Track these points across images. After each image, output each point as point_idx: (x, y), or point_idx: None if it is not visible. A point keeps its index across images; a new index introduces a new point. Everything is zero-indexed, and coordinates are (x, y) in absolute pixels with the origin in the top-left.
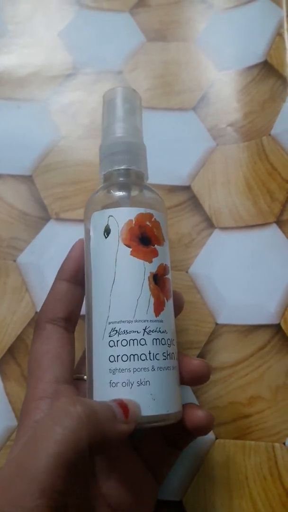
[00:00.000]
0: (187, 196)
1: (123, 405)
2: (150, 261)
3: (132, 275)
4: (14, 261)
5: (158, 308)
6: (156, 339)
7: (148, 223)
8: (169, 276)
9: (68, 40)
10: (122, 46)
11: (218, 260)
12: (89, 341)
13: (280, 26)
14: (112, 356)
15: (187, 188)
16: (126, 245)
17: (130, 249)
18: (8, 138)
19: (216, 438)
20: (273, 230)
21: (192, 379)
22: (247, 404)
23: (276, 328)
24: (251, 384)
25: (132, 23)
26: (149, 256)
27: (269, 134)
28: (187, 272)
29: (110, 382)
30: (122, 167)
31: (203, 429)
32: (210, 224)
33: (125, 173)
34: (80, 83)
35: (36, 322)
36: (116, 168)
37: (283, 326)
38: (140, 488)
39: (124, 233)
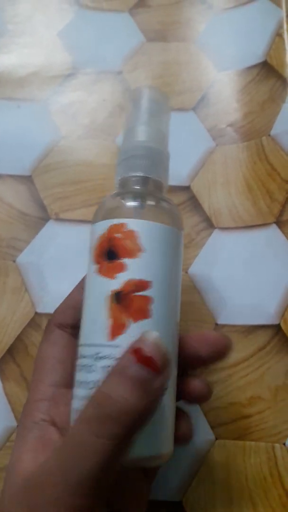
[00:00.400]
0: (186, 196)
1: (148, 360)
2: (112, 277)
3: (94, 295)
4: (14, 261)
5: (115, 330)
6: (107, 367)
7: (117, 234)
8: (147, 293)
9: (68, 40)
10: (122, 46)
11: (218, 261)
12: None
13: (280, 26)
14: (77, 381)
15: (187, 188)
16: (96, 263)
17: (98, 266)
18: (7, 138)
19: (216, 439)
20: (273, 231)
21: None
22: (247, 404)
23: (276, 329)
24: (251, 384)
25: (132, 23)
26: (111, 272)
27: (269, 135)
28: (186, 272)
29: (72, 408)
30: (137, 174)
31: (202, 398)
32: (209, 224)
33: (140, 181)
34: (80, 83)
35: (47, 324)
36: (132, 174)
37: (283, 326)
38: (133, 486)
39: (96, 249)
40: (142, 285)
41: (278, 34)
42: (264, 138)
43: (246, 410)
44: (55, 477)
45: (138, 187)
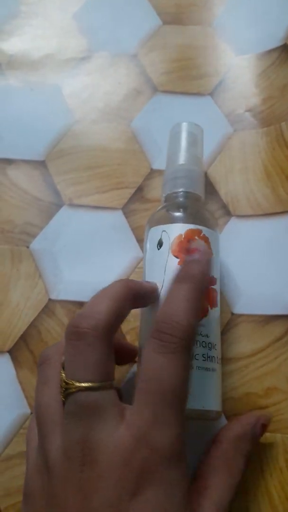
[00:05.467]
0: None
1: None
2: None
3: None
4: (27, 247)
5: (201, 313)
6: (196, 341)
7: (196, 238)
8: (215, 287)
9: (82, 22)
10: (138, 29)
11: (234, 249)
12: (140, 338)
13: None
14: None
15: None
16: (175, 256)
17: (178, 260)
18: (21, 122)
19: None
20: None
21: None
22: (263, 395)
23: None
24: (267, 375)
25: (148, 5)
26: None
27: None
28: None
29: None
30: (181, 190)
31: None
32: (226, 212)
33: (183, 195)
34: (94, 66)
35: (191, 343)
36: (175, 190)
37: None
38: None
39: (174, 245)
40: (212, 280)
41: None
42: (283, 123)
43: (262, 401)
44: None
45: (180, 200)
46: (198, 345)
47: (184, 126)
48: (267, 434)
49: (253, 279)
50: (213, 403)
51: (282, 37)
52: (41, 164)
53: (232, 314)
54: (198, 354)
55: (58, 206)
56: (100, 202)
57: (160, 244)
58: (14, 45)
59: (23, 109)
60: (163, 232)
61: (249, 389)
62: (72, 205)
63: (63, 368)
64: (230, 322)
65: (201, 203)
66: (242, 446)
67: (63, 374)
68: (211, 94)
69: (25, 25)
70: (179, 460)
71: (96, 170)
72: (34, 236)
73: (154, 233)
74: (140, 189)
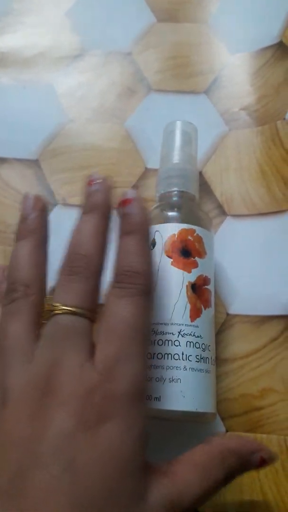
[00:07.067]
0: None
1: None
2: (189, 272)
3: (171, 283)
4: None
5: (194, 314)
6: (190, 342)
7: (190, 237)
8: (209, 287)
9: (76, 19)
10: (132, 27)
11: (229, 249)
12: None
13: None
14: (149, 354)
15: (199, 174)
16: (168, 256)
17: (171, 260)
18: (13, 121)
19: (227, 431)
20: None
21: None
22: (259, 396)
23: None
24: (263, 376)
25: (142, 2)
26: (188, 267)
27: (284, 118)
28: None
29: (157, 377)
30: (174, 189)
31: None
32: (221, 211)
33: (176, 194)
34: (88, 65)
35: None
36: (168, 190)
37: None
38: None
39: (167, 245)
40: (207, 280)
41: None
42: (279, 122)
43: (257, 402)
44: None
45: (174, 199)
46: (191, 346)
47: (178, 125)
48: (263, 436)
49: (248, 279)
50: (207, 405)
51: (277, 35)
52: (34, 163)
53: (228, 314)
54: (191, 355)
55: (52, 205)
56: None
57: (153, 244)
58: (6, 42)
59: (16, 108)
60: (156, 232)
61: (244, 390)
62: (65, 205)
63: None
64: (225, 323)
65: (195, 203)
66: (229, 460)
67: (48, 298)
68: (206, 92)
69: (17, 23)
70: (140, 399)
71: (90, 169)
72: None
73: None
74: (134, 188)
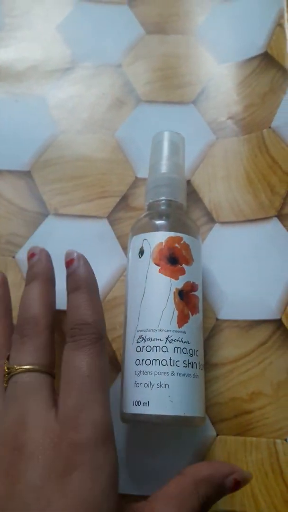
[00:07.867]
0: (187, 190)
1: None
2: (177, 278)
3: (159, 290)
4: (13, 257)
5: (182, 320)
6: (177, 348)
7: (177, 245)
8: (197, 293)
9: (66, 33)
10: (121, 39)
11: (218, 255)
12: (123, 346)
13: (280, 16)
14: (138, 360)
15: (187, 183)
16: (156, 264)
17: (159, 267)
18: (6, 133)
19: (217, 435)
20: (274, 224)
21: None
22: (248, 400)
23: (278, 324)
24: (252, 380)
25: (131, 15)
26: (175, 274)
27: (270, 127)
28: None
29: (135, 383)
30: (162, 198)
31: None
32: (210, 218)
33: (164, 203)
34: (78, 77)
35: (101, 335)
36: (156, 199)
37: (284, 321)
38: None
39: (154, 253)
40: (194, 287)
41: (279, 24)
42: (265, 130)
43: (247, 406)
44: None
45: (162, 208)
46: (179, 351)
47: (166, 135)
48: (252, 439)
49: (237, 285)
50: (195, 409)
51: (263, 45)
52: (26, 175)
53: (217, 319)
54: (179, 360)
55: (44, 216)
56: (85, 211)
57: (141, 252)
58: None
59: (8, 120)
60: (144, 241)
61: (234, 394)
62: (57, 215)
63: (7, 360)
64: (214, 328)
65: (182, 211)
66: (202, 490)
67: (6, 361)
68: (193, 102)
69: (9, 37)
70: (104, 443)
71: (81, 180)
72: (19, 246)
73: (136, 242)
74: (125, 198)
